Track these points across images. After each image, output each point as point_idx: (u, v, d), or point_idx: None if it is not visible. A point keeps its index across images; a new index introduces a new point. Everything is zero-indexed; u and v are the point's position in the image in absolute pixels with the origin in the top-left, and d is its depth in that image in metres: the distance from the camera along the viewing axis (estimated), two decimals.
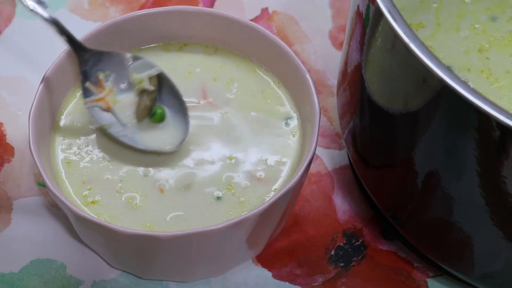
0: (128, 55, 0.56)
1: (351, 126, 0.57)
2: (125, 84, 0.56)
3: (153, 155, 0.56)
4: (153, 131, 0.56)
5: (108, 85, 0.56)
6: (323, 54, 0.69)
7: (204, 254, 0.53)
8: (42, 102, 0.55)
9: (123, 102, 0.56)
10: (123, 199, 0.54)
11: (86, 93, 0.56)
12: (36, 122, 0.54)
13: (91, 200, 0.54)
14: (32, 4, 0.53)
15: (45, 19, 0.53)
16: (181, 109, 0.56)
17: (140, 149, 0.55)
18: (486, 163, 0.44)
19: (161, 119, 0.56)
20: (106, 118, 0.56)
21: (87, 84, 0.56)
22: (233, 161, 0.56)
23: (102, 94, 0.56)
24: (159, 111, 0.56)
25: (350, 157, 0.60)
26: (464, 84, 0.41)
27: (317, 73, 0.68)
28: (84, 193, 0.54)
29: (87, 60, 0.55)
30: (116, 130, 0.56)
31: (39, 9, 0.53)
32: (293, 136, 0.57)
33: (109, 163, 0.56)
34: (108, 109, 0.56)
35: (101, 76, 0.56)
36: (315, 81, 0.66)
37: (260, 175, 0.55)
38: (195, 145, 0.56)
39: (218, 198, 0.54)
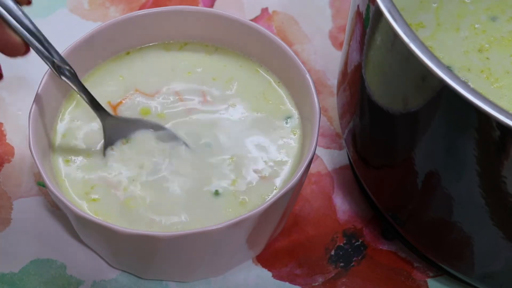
0: (152, 124, 0.56)
1: (351, 126, 0.57)
2: None
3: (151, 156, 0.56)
4: None
5: None
6: (323, 54, 0.69)
7: (204, 254, 0.53)
8: (42, 102, 0.55)
9: None
10: (122, 199, 0.54)
11: None
12: (36, 122, 0.54)
13: (91, 200, 0.54)
14: (65, 80, 0.53)
15: (77, 91, 0.54)
16: None
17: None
18: (486, 163, 0.44)
19: None
20: None
21: (109, 149, 0.56)
22: (233, 160, 0.56)
23: None
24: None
25: (350, 157, 0.60)
26: (464, 84, 0.41)
27: (317, 73, 0.68)
28: (84, 193, 0.54)
29: (111, 125, 0.55)
30: None
31: (69, 82, 0.53)
32: (294, 134, 0.57)
33: (109, 163, 0.56)
34: None
35: (124, 142, 0.56)
36: (315, 81, 0.66)
37: (260, 175, 0.55)
38: (196, 145, 0.56)
39: (218, 197, 0.54)
